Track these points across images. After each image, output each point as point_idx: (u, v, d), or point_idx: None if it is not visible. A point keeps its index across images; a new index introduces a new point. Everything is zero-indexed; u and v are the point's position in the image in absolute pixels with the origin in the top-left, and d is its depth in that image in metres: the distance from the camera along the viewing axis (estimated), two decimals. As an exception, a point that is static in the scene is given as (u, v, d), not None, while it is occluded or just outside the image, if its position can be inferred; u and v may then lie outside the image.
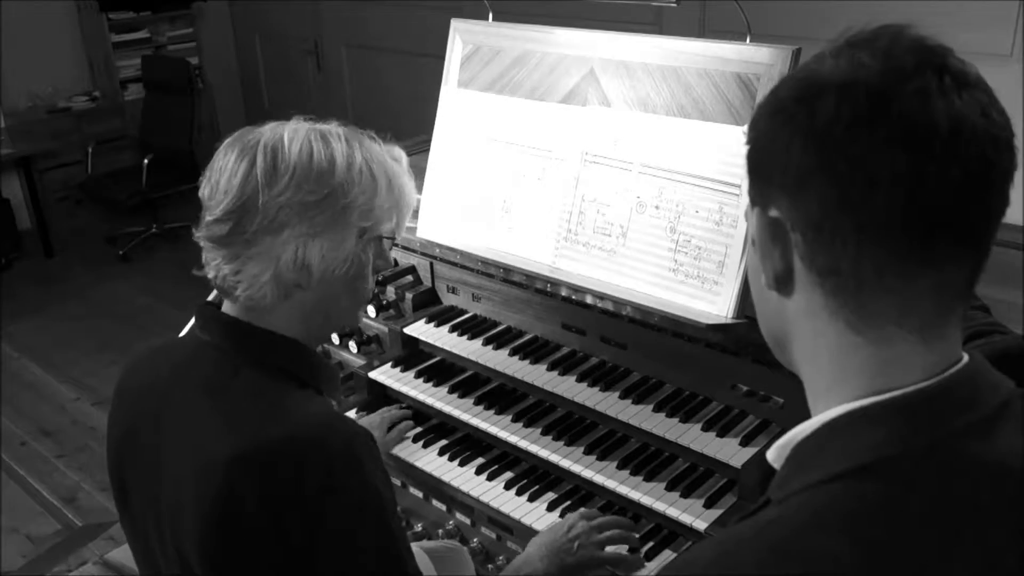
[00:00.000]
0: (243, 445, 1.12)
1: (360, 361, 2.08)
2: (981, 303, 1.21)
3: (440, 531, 1.87)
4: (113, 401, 1.34)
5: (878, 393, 0.72)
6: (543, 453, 1.72)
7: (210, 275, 1.26)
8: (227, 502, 1.11)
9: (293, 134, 1.25)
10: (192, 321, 1.33)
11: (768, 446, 1.58)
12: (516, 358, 1.87)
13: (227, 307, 1.29)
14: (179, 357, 1.30)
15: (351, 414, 2.00)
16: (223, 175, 1.23)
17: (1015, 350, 0.87)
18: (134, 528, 1.32)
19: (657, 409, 1.68)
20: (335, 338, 2.15)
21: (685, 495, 1.57)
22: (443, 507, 1.88)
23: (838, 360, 0.75)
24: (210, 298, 1.34)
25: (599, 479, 1.64)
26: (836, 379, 0.75)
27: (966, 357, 0.74)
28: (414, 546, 1.80)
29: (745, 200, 0.86)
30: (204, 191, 1.26)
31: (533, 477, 1.77)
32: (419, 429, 1.95)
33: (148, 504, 1.25)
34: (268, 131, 1.26)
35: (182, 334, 1.39)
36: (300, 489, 1.10)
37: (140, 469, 1.26)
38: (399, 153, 1.36)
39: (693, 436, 1.60)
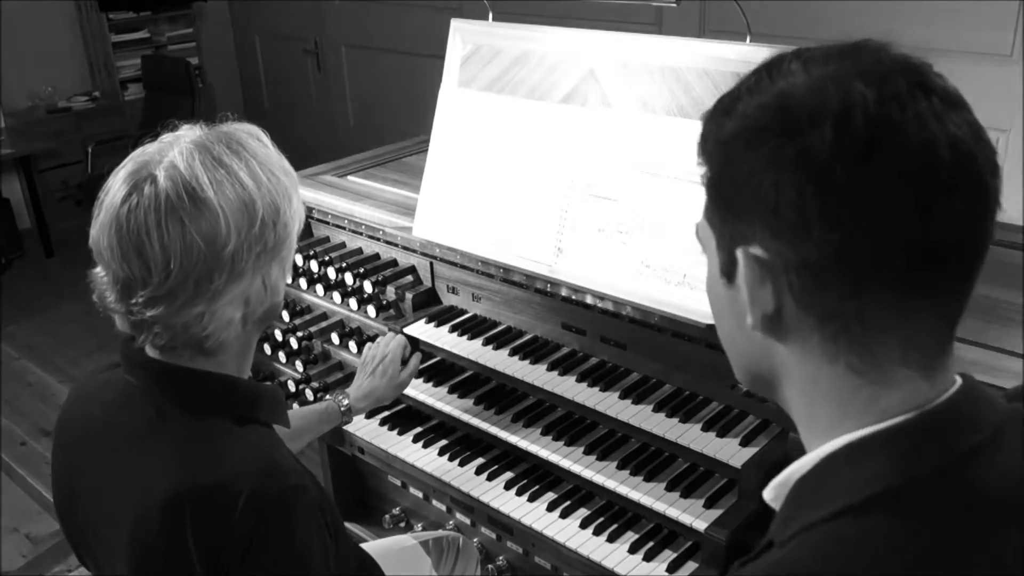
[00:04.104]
0: (174, 492, 1.09)
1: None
2: None
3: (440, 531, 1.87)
4: (55, 430, 1.30)
5: (876, 423, 0.69)
6: (543, 453, 1.72)
7: (141, 338, 1.16)
8: (160, 547, 1.10)
9: (190, 170, 1.11)
10: None
11: (767, 449, 1.57)
12: (516, 358, 1.87)
13: (149, 348, 1.19)
14: (110, 397, 1.24)
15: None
16: (148, 244, 1.09)
17: None
18: (80, 555, 1.30)
19: (657, 409, 1.68)
20: (335, 338, 2.15)
21: (685, 495, 1.57)
22: (443, 507, 1.88)
23: (838, 401, 0.71)
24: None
25: (599, 479, 1.64)
26: (835, 419, 0.72)
27: (960, 379, 0.72)
28: (404, 537, 1.80)
29: None
30: (117, 266, 1.11)
31: (533, 477, 1.77)
32: (419, 429, 1.95)
33: (88, 536, 1.24)
34: (163, 173, 1.10)
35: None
36: (227, 536, 1.07)
37: (80, 502, 1.24)
38: (258, 131, 1.23)
39: (693, 436, 1.60)
